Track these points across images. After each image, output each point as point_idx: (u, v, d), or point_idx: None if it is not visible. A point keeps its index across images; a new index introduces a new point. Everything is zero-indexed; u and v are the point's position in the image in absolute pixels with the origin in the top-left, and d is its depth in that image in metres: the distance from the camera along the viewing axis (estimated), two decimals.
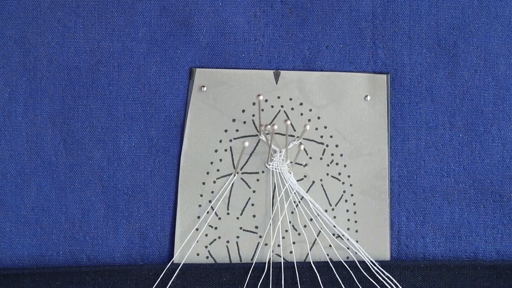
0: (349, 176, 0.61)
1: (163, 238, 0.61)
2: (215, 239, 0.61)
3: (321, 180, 0.61)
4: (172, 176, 0.61)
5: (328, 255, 0.61)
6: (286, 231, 0.61)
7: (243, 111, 0.61)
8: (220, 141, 0.61)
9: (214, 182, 0.61)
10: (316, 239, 0.61)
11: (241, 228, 0.61)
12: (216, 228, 0.61)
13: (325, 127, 0.61)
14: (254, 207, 0.61)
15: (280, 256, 0.60)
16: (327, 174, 0.61)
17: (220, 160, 0.61)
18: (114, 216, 0.61)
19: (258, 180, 0.61)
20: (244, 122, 0.61)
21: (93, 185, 0.60)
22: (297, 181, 0.61)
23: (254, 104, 0.61)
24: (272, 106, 0.61)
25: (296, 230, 0.61)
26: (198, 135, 0.61)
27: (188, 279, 0.59)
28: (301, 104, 0.61)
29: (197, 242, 0.60)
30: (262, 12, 0.61)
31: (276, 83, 0.61)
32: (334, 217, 0.61)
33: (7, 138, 0.60)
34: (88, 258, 0.60)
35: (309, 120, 0.61)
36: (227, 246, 0.61)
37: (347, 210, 0.61)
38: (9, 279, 0.59)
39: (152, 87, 0.61)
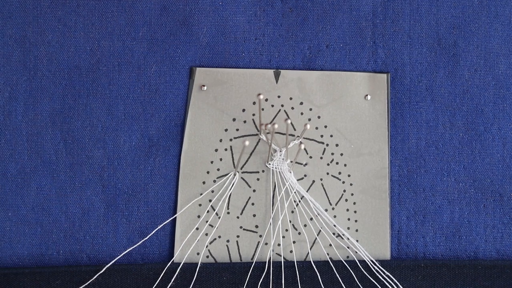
0: (349, 176, 0.61)
1: (163, 237, 0.61)
2: (215, 239, 0.61)
3: (321, 179, 0.61)
4: (172, 175, 0.61)
5: (328, 254, 0.61)
6: (286, 230, 0.61)
7: (244, 110, 0.61)
8: (221, 140, 0.61)
9: (214, 181, 0.61)
10: (316, 238, 0.61)
11: (241, 227, 0.61)
12: (216, 227, 0.61)
13: (325, 127, 0.61)
14: (254, 206, 0.61)
15: (280, 256, 0.60)
16: (327, 174, 0.61)
17: (220, 159, 0.61)
18: (114, 216, 0.61)
19: (258, 179, 0.61)
20: (245, 122, 0.61)
21: (93, 184, 0.60)
22: (297, 180, 0.61)
23: (254, 103, 0.61)
24: (272, 106, 0.61)
25: (296, 230, 0.61)
26: (198, 134, 0.61)
27: (188, 278, 0.59)
28: (301, 103, 0.61)
29: (197, 241, 0.60)
30: (262, 11, 0.61)
31: (276, 82, 0.61)
32: (334, 216, 0.61)
33: (7, 138, 0.60)
34: (88, 258, 0.60)
35: (309, 120, 0.61)
36: (227, 246, 0.61)
37: (347, 210, 0.61)
38: (9, 278, 0.59)
39: (152, 87, 0.61)
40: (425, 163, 0.62)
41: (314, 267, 0.60)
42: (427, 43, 0.62)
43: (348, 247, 0.61)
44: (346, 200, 0.61)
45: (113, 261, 0.59)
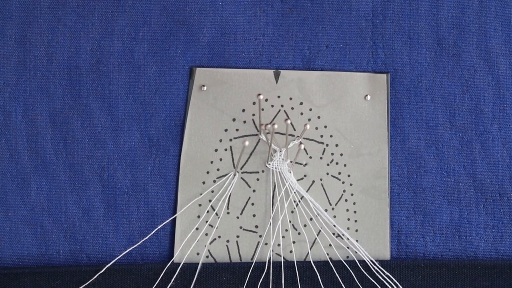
0: (349, 176, 0.61)
1: (163, 237, 0.61)
2: (215, 239, 0.61)
3: (321, 179, 0.61)
4: (172, 175, 0.61)
5: (328, 254, 0.61)
6: (286, 230, 0.61)
7: (243, 110, 0.61)
8: (220, 140, 0.61)
9: (214, 181, 0.61)
10: (316, 238, 0.61)
11: (241, 227, 0.61)
12: (216, 227, 0.61)
13: (325, 127, 0.61)
14: (254, 206, 0.61)
15: (280, 256, 0.60)
16: (327, 174, 0.61)
17: (220, 159, 0.61)
18: (114, 216, 0.61)
19: (258, 179, 0.61)
20: (244, 122, 0.61)
21: (93, 184, 0.60)
22: (297, 180, 0.61)
23: (254, 103, 0.61)
24: (272, 106, 0.61)
25: (296, 230, 0.61)
26: (198, 134, 0.61)
27: (188, 278, 0.59)
28: (301, 103, 0.61)
29: (197, 241, 0.60)
30: (262, 12, 0.61)
31: (276, 82, 0.61)
32: (334, 216, 0.61)
33: (7, 138, 0.60)
34: (88, 258, 0.60)
35: (309, 120, 0.61)
36: (227, 246, 0.61)
37: (347, 210, 0.61)
38: (9, 278, 0.59)
39: (152, 87, 0.61)
40: (425, 163, 0.62)
41: (314, 267, 0.60)
42: (427, 43, 0.62)
43: (348, 247, 0.61)
44: (346, 200, 0.61)
45: (113, 261, 0.60)
